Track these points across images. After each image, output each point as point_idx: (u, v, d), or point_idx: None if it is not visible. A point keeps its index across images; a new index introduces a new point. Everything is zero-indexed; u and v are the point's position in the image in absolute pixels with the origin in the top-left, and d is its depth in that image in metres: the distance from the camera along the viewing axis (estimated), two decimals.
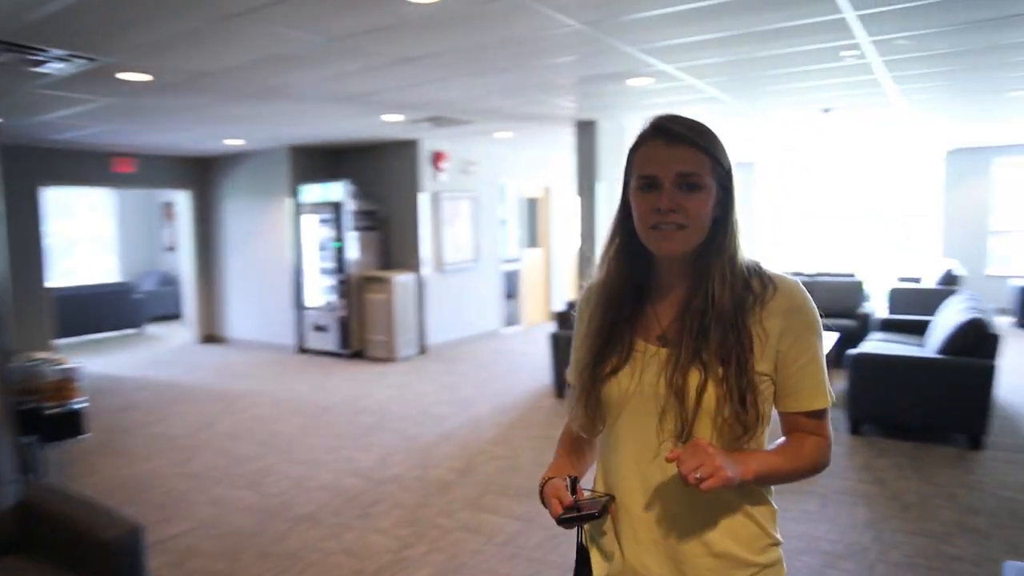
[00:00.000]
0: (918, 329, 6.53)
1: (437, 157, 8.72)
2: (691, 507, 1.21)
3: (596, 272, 1.35)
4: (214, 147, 8.70)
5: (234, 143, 8.34)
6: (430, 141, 8.61)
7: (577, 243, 7.46)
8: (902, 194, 12.32)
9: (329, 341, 8.69)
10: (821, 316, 1.24)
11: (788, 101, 6.18)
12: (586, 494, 1.25)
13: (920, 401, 4.78)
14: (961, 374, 4.66)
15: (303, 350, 9.03)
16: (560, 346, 6.30)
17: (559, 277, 11.26)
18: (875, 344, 5.89)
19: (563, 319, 6.44)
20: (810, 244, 13.00)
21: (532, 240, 10.91)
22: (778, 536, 1.27)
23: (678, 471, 1.09)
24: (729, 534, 1.22)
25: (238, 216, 9.64)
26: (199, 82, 4.83)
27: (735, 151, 9.91)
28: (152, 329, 11.27)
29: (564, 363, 6.45)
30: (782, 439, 1.26)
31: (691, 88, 5.44)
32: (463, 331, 9.35)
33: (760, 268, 1.25)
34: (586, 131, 7.23)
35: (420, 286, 8.66)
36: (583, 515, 1.19)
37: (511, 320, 10.37)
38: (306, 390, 6.98)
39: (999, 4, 3.62)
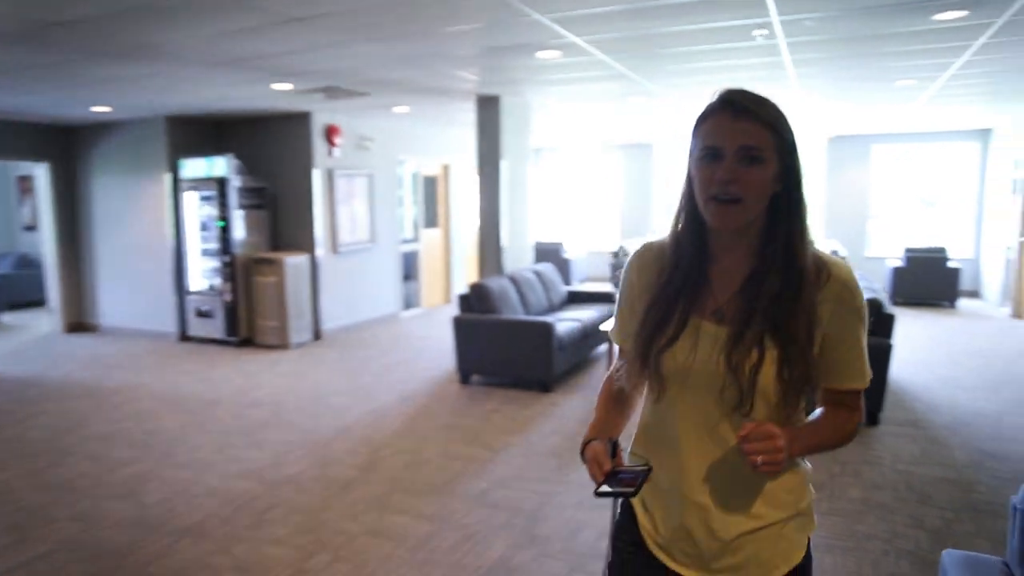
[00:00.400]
0: None
1: (331, 131, 8.22)
2: (740, 476, 1.24)
3: (660, 239, 1.36)
4: (78, 114, 7.82)
5: (102, 110, 7.52)
6: (323, 114, 8.09)
7: (478, 223, 7.24)
8: None
9: (214, 328, 8.07)
10: None
11: (693, 81, 6.16)
12: (625, 457, 1.31)
13: None
14: None
15: (186, 338, 8.36)
16: (464, 330, 6.07)
17: (460, 258, 11.00)
18: None
19: (466, 302, 6.20)
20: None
21: (431, 220, 10.57)
22: (812, 492, 1.33)
23: (741, 445, 1.14)
24: (770, 502, 1.26)
25: (110, 192, 8.76)
26: (47, 34, 4.20)
27: (635, 131, 9.88)
28: (8, 318, 10.16)
29: (468, 348, 6.29)
30: (820, 411, 1.31)
31: (600, 64, 5.28)
32: (360, 315, 8.94)
33: (815, 250, 1.25)
34: (489, 107, 6.98)
35: (314, 268, 8.17)
36: (619, 491, 1.21)
37: (410, 303, 10.03)
38: (189, 382, 6.42)
39: None
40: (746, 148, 1.18)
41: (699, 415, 1.26)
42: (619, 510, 1.41)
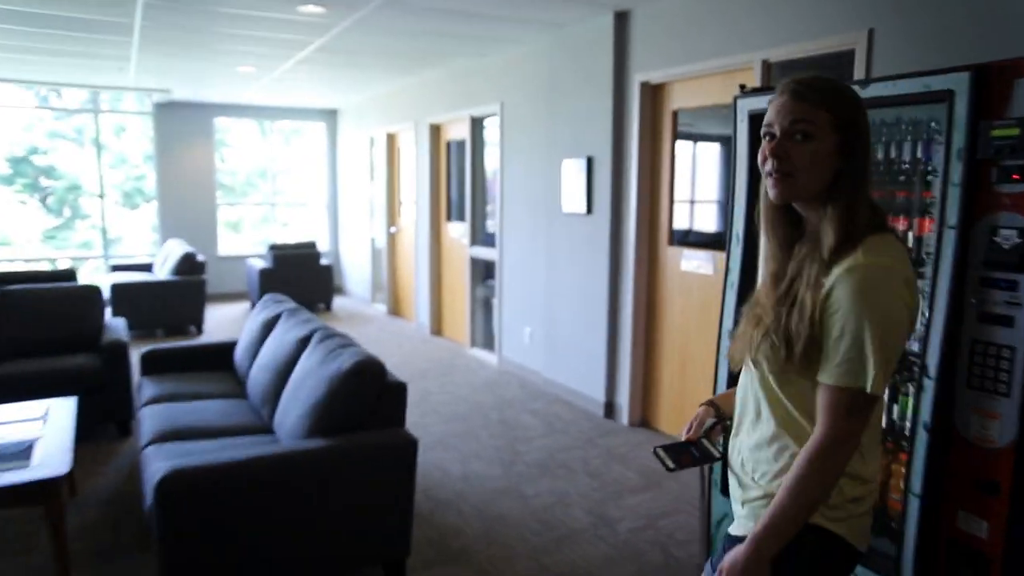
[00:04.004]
0: (216, 362, 4.20)
1: None
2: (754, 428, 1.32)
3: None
4: None
5: None
6: None
7: None
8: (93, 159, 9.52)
9: None
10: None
11: None
12: (718, 441, 1.47)
13: (313, 527, 2.55)
14: (369, 462, 2.64)
15: None
16: None
17: None
18: (167, 417, 3.29)
19: None
20: None
21: None
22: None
23: None
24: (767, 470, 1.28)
25: None
26: None
27: None
28: None
29: None
30: None
31: None
32: None
33: (866, 234, 1.19)
34: None
35: None
36: (664, 460, 1.42)
37: None
38: None
39: None
40: (795, 122, 1.21)
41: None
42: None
